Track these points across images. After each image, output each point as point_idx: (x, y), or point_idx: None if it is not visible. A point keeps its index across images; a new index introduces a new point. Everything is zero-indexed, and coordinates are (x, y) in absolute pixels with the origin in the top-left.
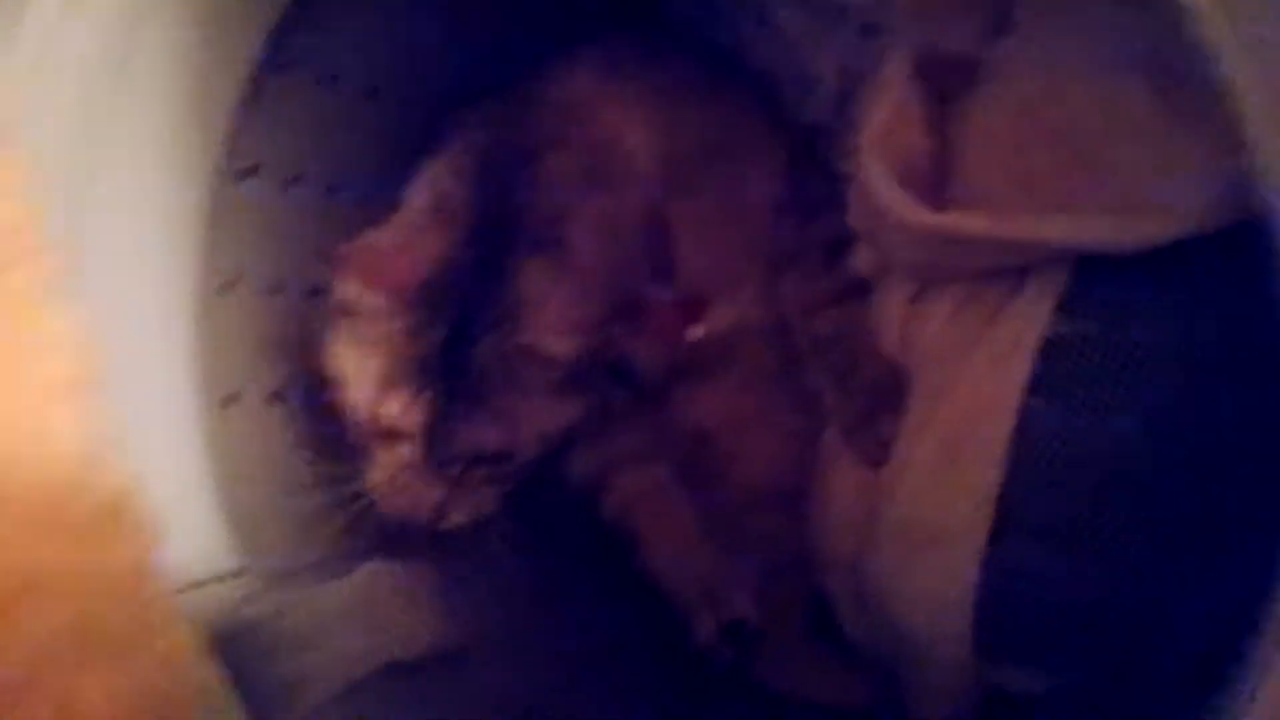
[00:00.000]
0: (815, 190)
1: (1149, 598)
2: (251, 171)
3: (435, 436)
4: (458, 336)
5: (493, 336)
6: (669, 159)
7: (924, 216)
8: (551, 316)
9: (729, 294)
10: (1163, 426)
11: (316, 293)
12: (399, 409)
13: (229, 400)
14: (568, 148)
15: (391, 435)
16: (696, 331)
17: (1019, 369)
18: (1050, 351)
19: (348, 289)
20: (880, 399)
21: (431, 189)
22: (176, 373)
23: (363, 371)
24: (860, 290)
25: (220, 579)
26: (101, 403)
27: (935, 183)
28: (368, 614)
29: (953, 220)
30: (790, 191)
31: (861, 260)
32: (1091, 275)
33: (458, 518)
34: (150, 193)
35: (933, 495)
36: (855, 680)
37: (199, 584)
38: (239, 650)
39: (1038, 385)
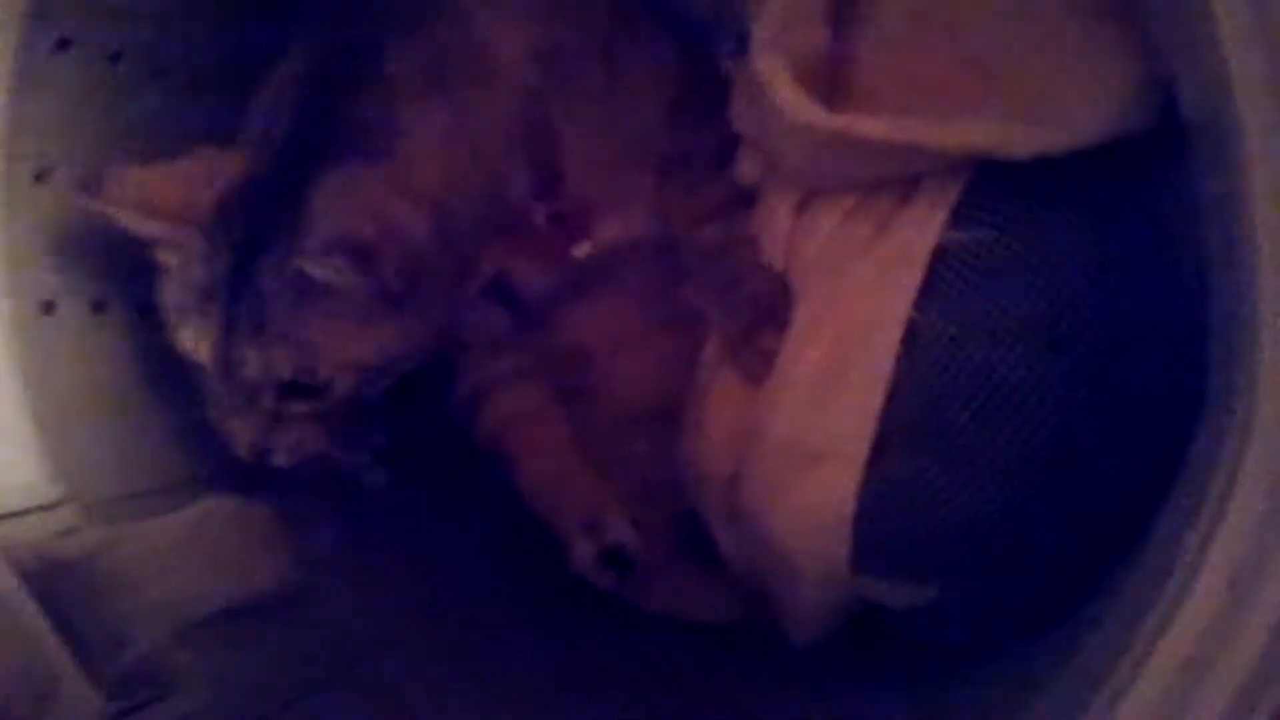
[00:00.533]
0: (702, 96)
1: (1029, 513)
2: (65, 44)
3: (226, 366)
4: (251, 261)
5: (272, 258)
6: (546, 60)
7: (820, 118)
8: (329, 238)
9: (617, 207)
10: (1053, 338)
11: None
12: (192, 339)
13: (44, 308)
14: (416, 48)
15: (197, 367)
16: (583, 249)
17: (908, 278)
18: (942, 260)
19: (121, 218)
20: (763, 312)
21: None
22: None
23: (166, 296)
24: (744, 202)
25: (38, 509)
26: None
27: (830, 85)
28: (203, 552)
29: (849, 122)
30: (677, 96)
31: (746, 167)
32: (989, 182)
33: (281, 455)
34: None
35: (816, 411)
36: (726, 598)
37: (13, 515)
38: (58, 590)
39: (927, 296)
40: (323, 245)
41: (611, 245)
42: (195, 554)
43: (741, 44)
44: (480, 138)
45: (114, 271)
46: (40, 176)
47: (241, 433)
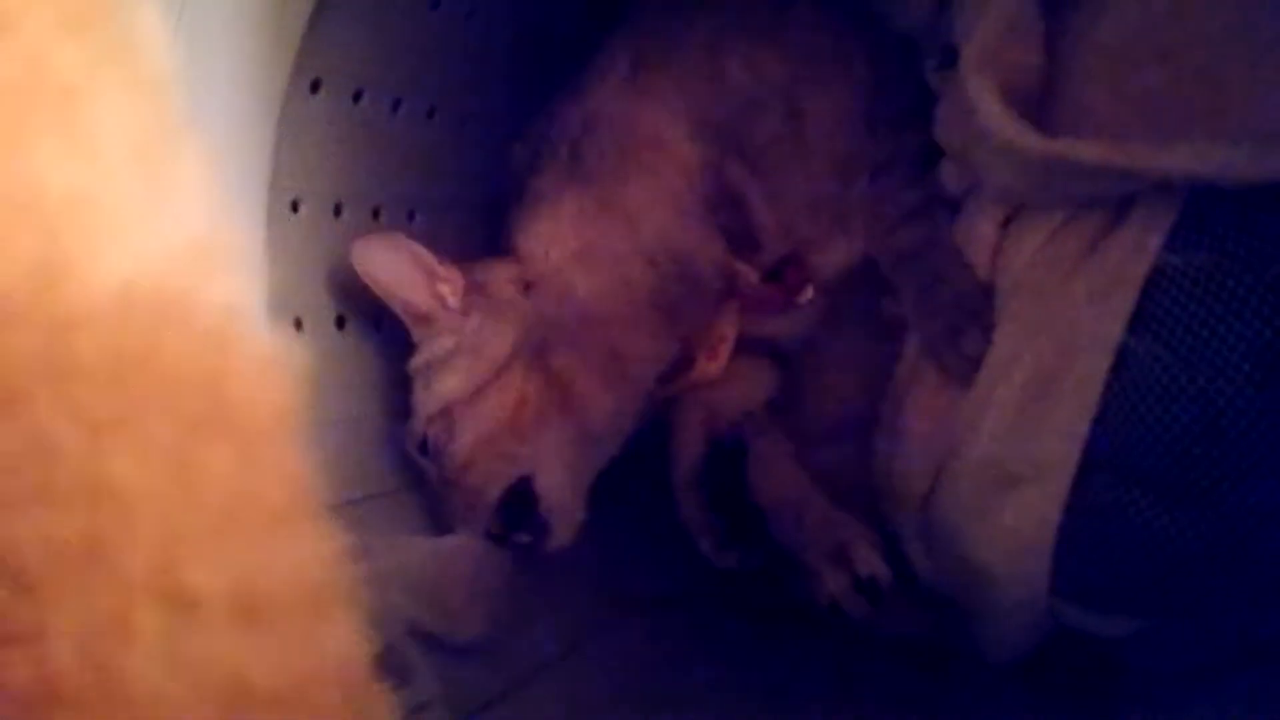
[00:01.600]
0: (899, 98)
1: (1245, 547)
2: (317, 85)
3: None
4: None
5: None
6: (713, 133)
7: (1034, 141)
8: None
9: (829, 242)
10: (1269, 372)
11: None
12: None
13: (296, 325)
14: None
15: None
16: (807, 295)
17: (1121, 301)
18: (1156, 285)
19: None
20: (966, 313)
21: None
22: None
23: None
24: (942, 203)
25: None
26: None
27: (1040, 101)
28: (445, 579)
29: (1065, 146)
30: (871, 114)
31: (949, 177)
32: (1208, 203)
33: None
34: (223, 105)
35: (1019, 434)
36: (918, 613)
37: None
38: None
39: (1140, 320)
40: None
41: (834, 279)
42: (440, 579)
43: (948, 57)
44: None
45: (353, 292)
46: (295, 206)
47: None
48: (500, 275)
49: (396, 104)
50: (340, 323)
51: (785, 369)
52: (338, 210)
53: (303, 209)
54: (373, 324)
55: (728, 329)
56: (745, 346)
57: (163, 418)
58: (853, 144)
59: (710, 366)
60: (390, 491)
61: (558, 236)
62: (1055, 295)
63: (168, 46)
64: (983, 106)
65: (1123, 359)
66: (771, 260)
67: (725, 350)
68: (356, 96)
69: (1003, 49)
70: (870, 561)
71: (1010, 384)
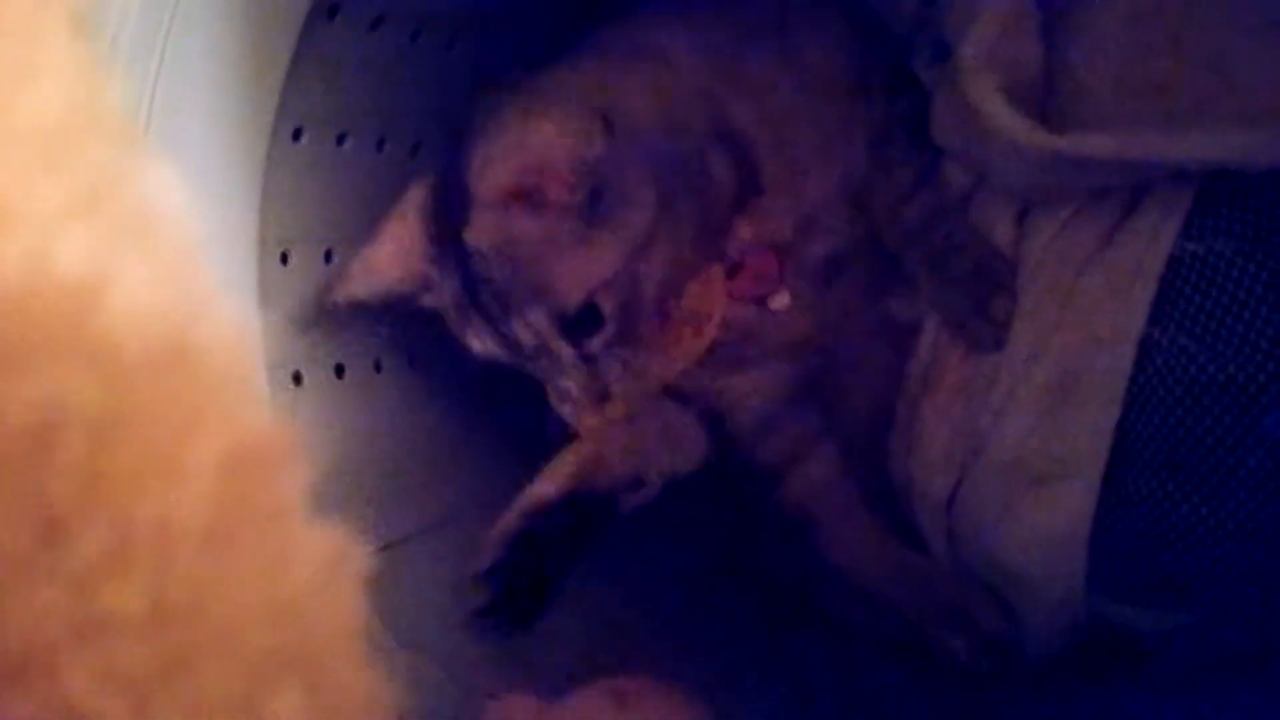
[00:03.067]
0: (892, 74)
1: (1276, 533)
2: (299, 132)
3: (512, 347)
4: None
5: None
6: (717, 59)
7: (1044, 140)
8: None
9: (820, 224)
10: None
11: None
12: (479, 344)
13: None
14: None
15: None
16: (782, 300)
17: (1141, 293)
18: (1175, 275)
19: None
20: (988, 280)
21: None
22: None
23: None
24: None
25: None
26: None
27: (1043, 96)
28: None
29: (1075, 142)
30: (865, 81)
31: (952, 178)
32: (1224, 189)
33: (619, 399)
34: (207, 154)
35: (1044, 433)
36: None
37: None
38: None
39: (1161, 310)
40: (476, 229)
41: (820, 267)
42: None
43: (939, 51)
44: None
45: (351, 339)
46: (285, 257)
47: (575, 389)
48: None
49: (380, 144)
50: (340, 371)
51: (714, 438)
52: (328, 257)
53: (293, 259)
54: (373, 367)
55: (714, 304)
56: (679, 395)
57: (218, 665)
58: (851, 98)
59: (694, 344)
60: (398, 541)
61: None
62: (1073, 290)
63: (186, 211)
64: (985, 106)
65: (1145, 351)
66: (771, 225)
67: (709, 329)
68: (340, 140)
69: (1001, 46)
70: (995, 621)
71: (1031, 384)
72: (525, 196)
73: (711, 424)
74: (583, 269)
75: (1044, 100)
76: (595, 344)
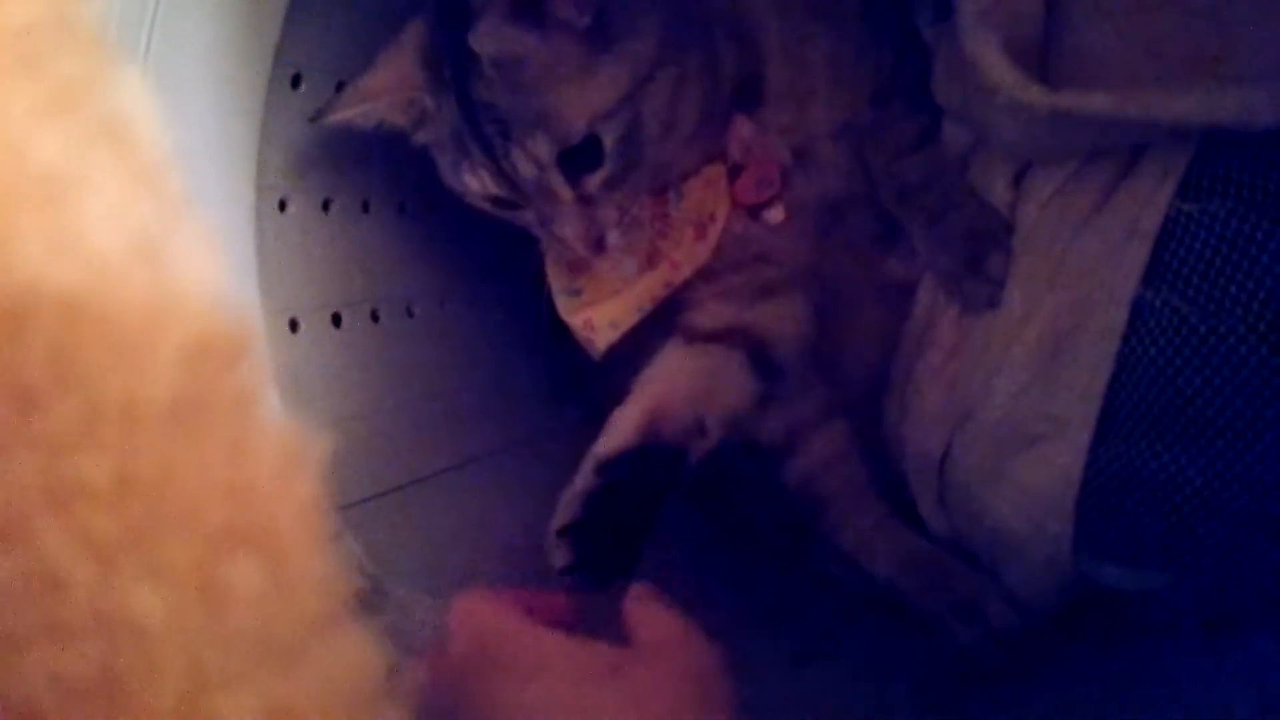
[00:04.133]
0: (891, 22)
1: (1264, 493)
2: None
3: (509, 180)
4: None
5: (478, 69)
6: None
7: (1042, 95)
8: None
9: (822, 153)
10: None
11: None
12: (471, 179)
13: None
14: None
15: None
16: (777, 215)
17: (1136, 253)
18: (1171, 235)
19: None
20: (983, 238)
21: None
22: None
23: (438, 160)
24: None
25: None
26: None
27: (1043, 53)
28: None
29: (1074, 99)
30: (874, 30)
31: (951, 139)
32: (1221, 149)
33: (614, 234)
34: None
35: (1035, 392)
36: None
37: None
38: None
39: (1156, 271)
40: (484, 34)
41: (811, 207)
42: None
43: (941, 10)
44: None
45: (350, 285)
46: (283, 205)
47: (570, 232)
48: None
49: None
50: (336, 320)
51: (767, 379)
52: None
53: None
54: (370, 316)
55: (717, 204)
56: (719, 336)
57: (180, 536)
58: (862, 44)
59: (698, 248)
60: (391, 490)
61: None
62: (1068, 250)
63: (161, 123)
64: (985, 62)
65: (1139, 311)
66: (767, 136)
67: (714, 232)
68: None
69: (1002, 1)
70: (1004, 616)
71: (1025, 343)
72: (533, 6)
73: (757, 362)
74: (586, 95)
75: (1044, 57)
76: (594, 182)
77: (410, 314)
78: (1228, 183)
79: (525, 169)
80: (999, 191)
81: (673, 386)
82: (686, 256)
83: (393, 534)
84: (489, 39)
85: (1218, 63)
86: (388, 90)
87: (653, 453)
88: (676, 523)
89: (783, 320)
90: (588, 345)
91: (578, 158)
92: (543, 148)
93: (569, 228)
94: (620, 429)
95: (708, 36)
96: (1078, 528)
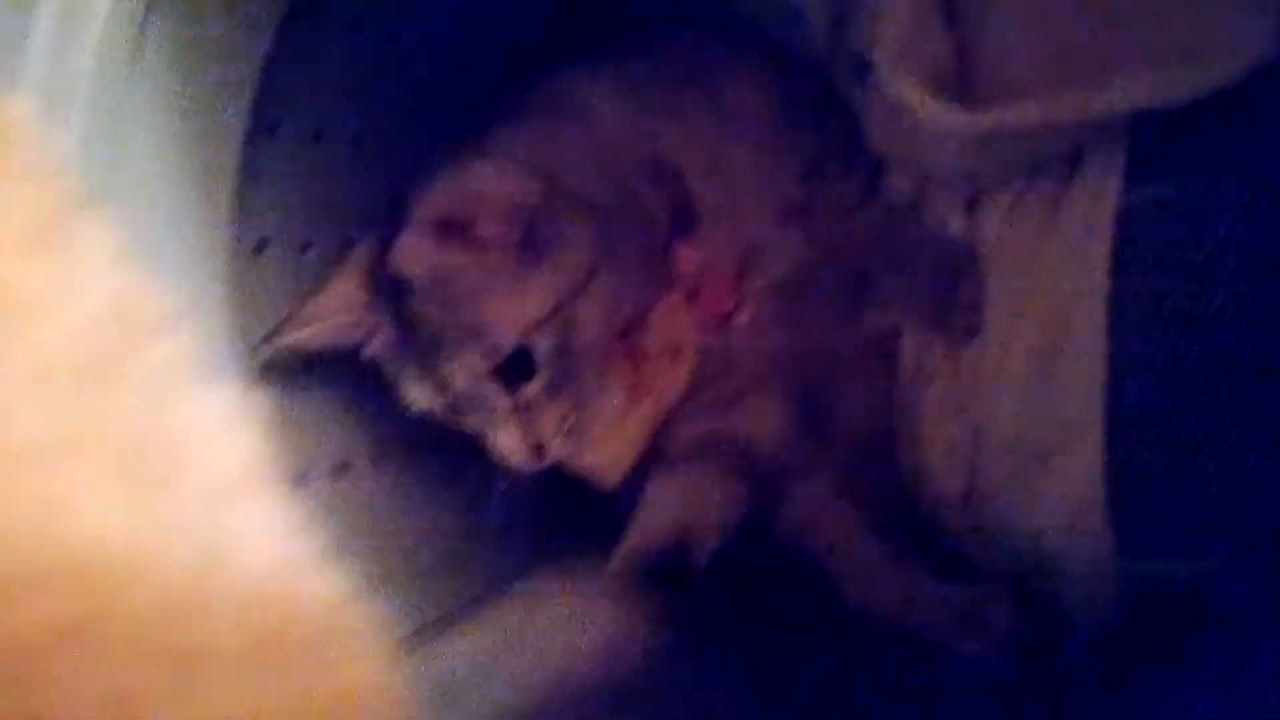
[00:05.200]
0: (815, 87)
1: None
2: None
3: (444, 394)
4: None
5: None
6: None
7: (968, 120)
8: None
9: (764, 238)
10: (1258, 267)
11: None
12: (414, 395)
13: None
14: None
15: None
16: (744, 315)
17: (1099, 251)
18: (1128, 225)
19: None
20: (949, 270)
21: None
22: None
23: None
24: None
25: None
26: None
27: (963, 81)
28: (527, 646)
29: (1001, 116)
30: (787, 98)
31: (897, 185)
32: (1153, 138)
33: (555, 444)
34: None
35: (1038, 404)
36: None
37: None
38: None
39: (1123, 263)
40: (408, 252)
41: (779, 283)
42: (521, 650)
43: (862, 71)
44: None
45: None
46: (259, 249)
47: (510, 443)
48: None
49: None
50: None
51: (753, 481)
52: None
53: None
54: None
55: (683, 330)
56: (698, 452)
57: None
58: (777, 129)
59: (677, 373)
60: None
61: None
62: (1033, 262)
63: (47, 131)
64: (910, 101)
65: (1119, 303)
66: (713, 250)
67: (686, 360)
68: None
69: (912, 43)
70: (1006, 617)
71: (1015, 357)
72: (459, 229)
73: (739, 468)
74: (516, 308)
75: (965, 85)
76: (530, 391)
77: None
78: (1166, 164)
79: (459, 381)
80: (955, 225)
81: (659, 521)
82: (668, 384)
83: None
84: (415, 258)
85: (1124, 59)
86: (333, 312)
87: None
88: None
89: (758, 421)
90: (596, 482)
91: (514, 368)
92: (475, 361)
93: (506, 438)
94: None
95: (632, 193)
96: (1116, 529)
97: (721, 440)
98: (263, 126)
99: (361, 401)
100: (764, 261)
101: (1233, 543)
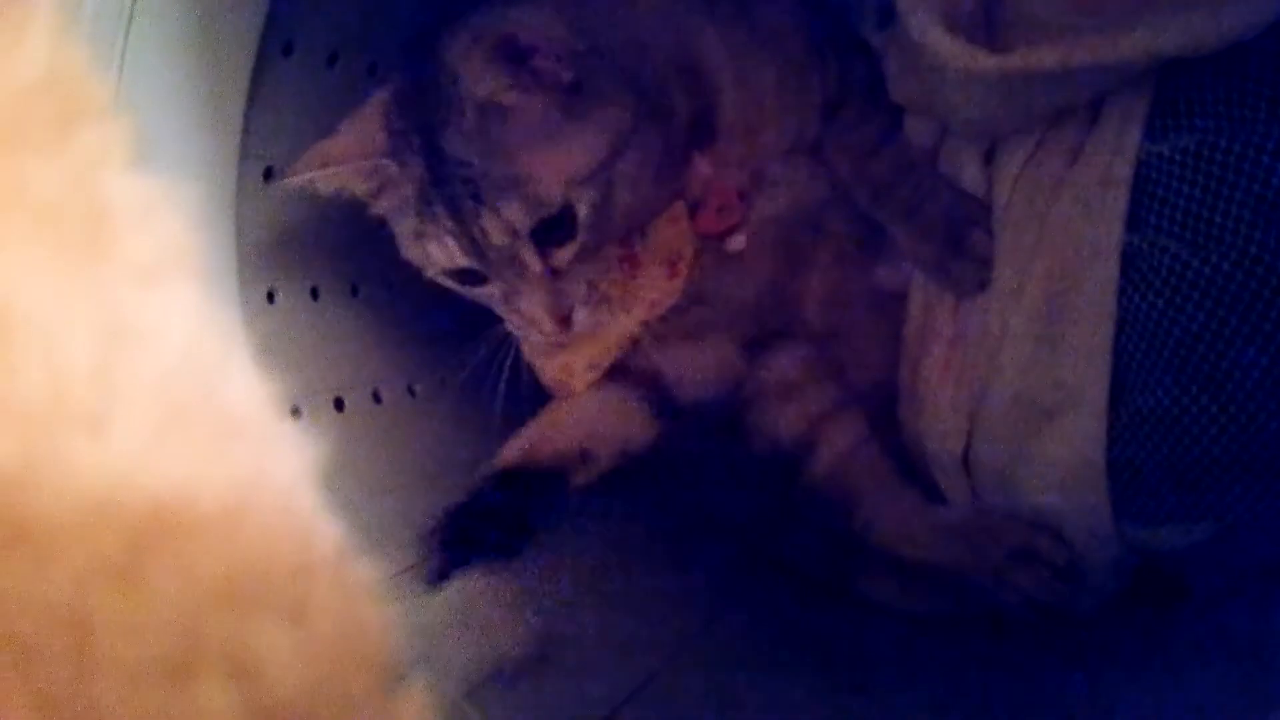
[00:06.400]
0: (839, 28)
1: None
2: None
3: (479, 250)
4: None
5: (448, 127)
6: None
7: (989, 61)
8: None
9: (778, 172)
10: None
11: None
12: (436, 249)
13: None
14: None
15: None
16: (738, 242)
17: (1115, 203)
18: (1146, 179)
19: (317, 182)
20: (961, 220)
21: None
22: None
23: (397, 230)
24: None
25: None
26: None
27: (985, 24)
28: (469, 622)
29: (1022, 58)
30: (818, 45)
31: (916, 135)
32: (1178, 86)
33: (582, 314)
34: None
35: (1043, 361)
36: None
37: None
38: None
39: (1138, 219)
40: (464, 46)
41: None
42: (461, 625)
43: (885, 17)
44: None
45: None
46: (268, 175)
47: (538, 309)
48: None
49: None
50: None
51: (669, 418)
52: None
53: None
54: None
55: (683, 240)
56: (622, 374)
57: None
58: (804, 60)
59: (671, 285)
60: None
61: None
62: (1047, 215)
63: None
64: (929, 41)
65: (1131, 260)
66: (724, 170)
67: (683, 268)
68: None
69: None
70: (1057, 550)
71: (1022, 312)
72: (516, 59)
73: (658, 407)
74: (562, 160)
75: (988, 28)
76: (564, 255)
77: (413, 394)
78: (1191, 116)
79: (496, 237)
80: (971, 175)
81: (562, 418)
82: (662, 295)
83: None
84: (474, 77)
85: (1150, 2)
86: (350, 154)
87: (527, 474)
88: (723, 566)
89: (694, 366)
90: (560, 389)
91: (550, 229)
92: (518, 215)
93: (537, 303)
94: (506, 451)
95: (662, 89)
96: (1115, 495)
97: (646, 371)
98: (276, 48)
99: (361, 334)
100: (770, 191)
101: (1230, 513)
